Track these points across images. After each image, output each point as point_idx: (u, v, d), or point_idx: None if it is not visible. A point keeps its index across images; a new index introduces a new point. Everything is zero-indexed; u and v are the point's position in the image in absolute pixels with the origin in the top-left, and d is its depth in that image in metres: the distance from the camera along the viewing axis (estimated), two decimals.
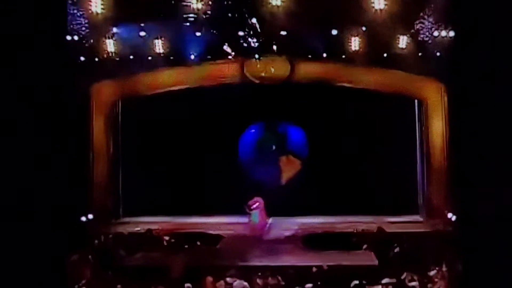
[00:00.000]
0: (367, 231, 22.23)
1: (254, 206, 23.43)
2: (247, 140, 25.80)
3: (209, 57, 24.12)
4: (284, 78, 24.56)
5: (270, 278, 17.37)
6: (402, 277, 17.49)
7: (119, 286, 17.02)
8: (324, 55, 23.88)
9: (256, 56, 23.79)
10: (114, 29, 22.45)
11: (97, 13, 20.91)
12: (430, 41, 22.51)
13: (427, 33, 22.34)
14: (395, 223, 23.04)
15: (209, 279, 17.19)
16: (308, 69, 24.58)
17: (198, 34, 22.74)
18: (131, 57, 23.42)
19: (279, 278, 17.42)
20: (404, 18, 21.68)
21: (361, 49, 23.14)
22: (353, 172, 24.72)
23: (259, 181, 24.64)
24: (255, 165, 25.06)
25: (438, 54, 22.37)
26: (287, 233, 23.35)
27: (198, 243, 22.07)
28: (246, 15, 22.30)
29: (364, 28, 22.41)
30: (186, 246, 20.97)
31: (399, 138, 24.34)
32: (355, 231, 22.34)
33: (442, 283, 16.95)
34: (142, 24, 22.52)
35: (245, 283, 17.23)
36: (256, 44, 23.18)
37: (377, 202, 23.64)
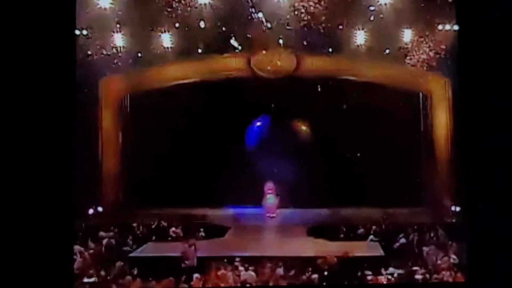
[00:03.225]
0: (372, 222, 22.43)
1: (270, 191, 24.92)
2: (254, 132, 25.99)
3: (216, 51, 24.28)
4: (290, 72, 24.72)
5: (277, 269, 17.61)
6: (408, 268, 17.72)
7: (128, 277, 17.26)
8: (330, 49, 24.06)
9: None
10: (122, 23, 22.60)
11: (105, 8, 21.22)
12: (434, 35, 22.68)
13: (431, 28, 22.53)
14: (400, 214, 23.21)
15: (217, 269, 17.45)
16: (314, 63, 24.71)
17: (204, 28, 22.92)
18: (139, 51, 23.55)
19: (286, 268, 17.64)
20: (409, 13, 21.87)
21: (366, 43, 23.35)
22: (358, 164, 24.80)
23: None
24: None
25: (442, 48, 22.54)
26: (294, 224, 23.65)
27: (204, 234, 22.34)
28: (253, 10, 22.54)
29: (369, 23, 22.55)
30: (196, 237, 21.10)
31: (404, 131, 24.41)
32: (360, 225, 22.56)
33: (448, 273, 17.13)
34: (150, 18, 22.68)
35: (253, 273, 17.45)
36: (263, 38, 23.45)
37: (382, 194, 23.72)
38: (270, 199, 25.02)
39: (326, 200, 24.30)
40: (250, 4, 22.39)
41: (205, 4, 21.84)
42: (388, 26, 22.50)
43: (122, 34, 23.08)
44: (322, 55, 24.42)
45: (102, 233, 21.41)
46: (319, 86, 24.91)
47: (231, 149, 24.73)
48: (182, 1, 21.98)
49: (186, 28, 23.13)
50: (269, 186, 25.01)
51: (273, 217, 24.85)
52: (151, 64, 24.21)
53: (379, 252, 19.92)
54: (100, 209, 23.65)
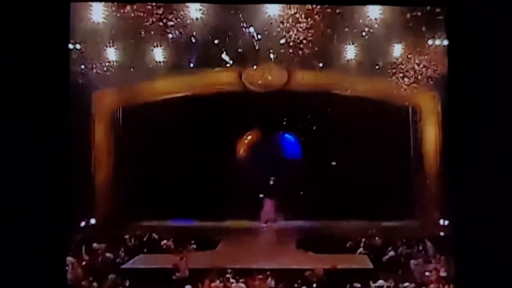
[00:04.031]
0: (361, 235, 22.56)
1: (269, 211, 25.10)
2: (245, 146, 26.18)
3: (207, 65, 24.47)
4: (281, 86, 24.89)
5: (267, 281, 17.73)
6: (397, 280, 17.86)
7: None
8: (321, 64, 24.27)
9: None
10: (115, 38, 22.76)
11: (98, 23, 21.40)
12: (424, 50, 22.90)
13: (421, 43, 22.75)
14: (389, 227, 23.35)
15: (208, 281, 17.56)
16: (304, 77, 24.88)
17: (196, 42, 23.13)
18: (132, 65, 23.69)
19: (275, 280, 17.76)
20: (399, 28, 22.08)
21: (357, 58, 23.57)
22: (348, 177, 24.90)
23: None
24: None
25: (432, 62, 22.74)
26: (284, 237, 23.76)
27: (195, 246, 22.43)
28: (244, 24, 22.75)
29: (360, 38, 22.78)
30: (187, 250, 21.21)
31: (393, 145, 24.51)
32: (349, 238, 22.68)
33: (436, 286, 17.28)
34: (142, 33, 22.85)
35: (243, 285, 17.57)
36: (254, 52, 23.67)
37: (371, 207, 23.84)
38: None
39: (315, 213, 24.43)
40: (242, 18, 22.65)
41: (196, 19, 22.03)
42: (378, 41, 22.71)
43: (115, 49, 23.26)
44: (313, 70, 24.63)
45: (95, 245, 21.46)
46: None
47: (222, 162, 24.89)
48: (174, 16, 22.14)
49: (178, 43, 23.30)
50: (268, 205, 25.10)
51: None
52: (144, 78, 24.34)
53: (368, 264, 20.08)
54: (92, 221, 23.73)
